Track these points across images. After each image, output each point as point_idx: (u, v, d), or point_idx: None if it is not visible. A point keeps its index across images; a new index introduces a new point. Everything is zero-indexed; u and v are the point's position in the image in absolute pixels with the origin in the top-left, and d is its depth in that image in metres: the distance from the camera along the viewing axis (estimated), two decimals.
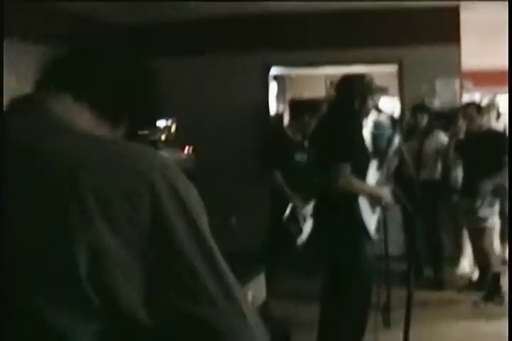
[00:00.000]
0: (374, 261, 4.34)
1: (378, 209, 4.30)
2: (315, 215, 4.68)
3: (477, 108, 6.17)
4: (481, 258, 6.22)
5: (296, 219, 5.64)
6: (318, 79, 12.15)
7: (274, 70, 8.76)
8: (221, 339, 0.95)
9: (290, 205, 5.70)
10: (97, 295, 0.91)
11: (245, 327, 0.97)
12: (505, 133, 6.26)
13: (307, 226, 5.55)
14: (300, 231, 5.57)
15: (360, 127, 4.34)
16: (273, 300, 4.91)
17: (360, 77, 4.26)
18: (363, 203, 4.12)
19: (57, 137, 0.97)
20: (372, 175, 4.30)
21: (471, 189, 5.97)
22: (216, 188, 6.59)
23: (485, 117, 6.14)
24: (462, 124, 6.62)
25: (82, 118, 1.08)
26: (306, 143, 5.96)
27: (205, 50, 8.01)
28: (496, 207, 6.02)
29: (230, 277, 1.02)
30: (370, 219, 4.17)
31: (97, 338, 0.93)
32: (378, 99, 4.31)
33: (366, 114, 4.31)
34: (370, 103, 4.19)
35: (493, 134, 6.16)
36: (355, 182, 4.06)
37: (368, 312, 4.42)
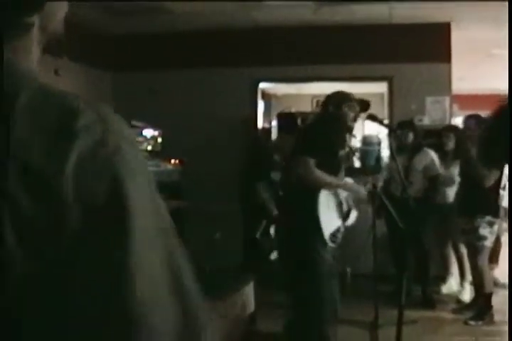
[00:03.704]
0: (333, 268, 4.26)
1: (340, 218, 4.30)
2: (277, 219, 4.69)
3: (480, 121, 6.01)
4: (477, 276, 6.14)
5: (268, 235, 5.60)
6: (304, 98, 12.18)
7: (262, 85, 8.74)
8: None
9: (264, 221, 5.65)
10: None
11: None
12: None
13: None
14: (272, 247, 5.53)
15: (336, 131, 4.35)
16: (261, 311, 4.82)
17: (340, 91, 4.46)
18: (323, 204, 4.12)
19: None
20: None
21: (470, 207, 5.90)
22: (203, 202, 6.52)
23: None
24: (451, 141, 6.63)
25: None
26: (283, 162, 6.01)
27: (193, 63, 7.97)
28: (495, 227, 5.91)
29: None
30: (329, 223, 4.14)
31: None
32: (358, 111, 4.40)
33: (348, 122, 4.37)
34: (352, 110, 4.30)
35: None
36: (319, 173, 4.08)
37: (329, 327, 4.30)
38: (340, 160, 4.34)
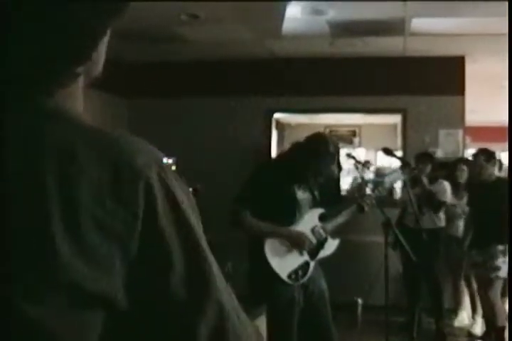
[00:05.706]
0: (295, 309, 4.12)
1: (304, 254, 4.17)
2: None
3: (488, 155, 6.08)
4: (489, 309, 6.09)
5: None
6: (318, 128, 12.21)
7: (277, 115, 8.79)
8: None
9: None
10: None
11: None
12: None
13: None
14: None
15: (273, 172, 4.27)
16: None
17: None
18: (273, 246, 4.07)
19: (55, 126, 0.85)
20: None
21: (482, 237, 5.88)
22: (216, 232, 6.50)
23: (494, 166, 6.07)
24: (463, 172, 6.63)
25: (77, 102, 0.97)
26: None
27: (207, 92, 8.04)
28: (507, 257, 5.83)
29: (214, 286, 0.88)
30: (284, 263, 4.08)
31: (85, 332, 0.80)
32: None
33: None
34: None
35: (504, 182, 5.98)
36: (248, 222, 4.02)
37: None
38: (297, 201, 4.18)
